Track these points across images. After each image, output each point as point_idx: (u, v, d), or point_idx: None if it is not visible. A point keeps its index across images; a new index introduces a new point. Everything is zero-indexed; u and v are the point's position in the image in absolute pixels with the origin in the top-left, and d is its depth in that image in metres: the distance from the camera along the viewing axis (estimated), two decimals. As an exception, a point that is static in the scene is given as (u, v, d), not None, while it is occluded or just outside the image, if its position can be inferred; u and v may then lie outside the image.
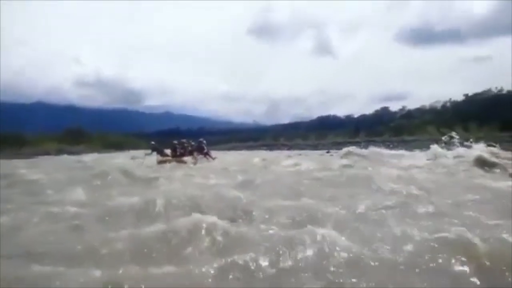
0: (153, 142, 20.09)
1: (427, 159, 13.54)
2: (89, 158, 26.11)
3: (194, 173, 11.30)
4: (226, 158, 20.87)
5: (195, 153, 18.69)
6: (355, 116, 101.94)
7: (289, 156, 21.08)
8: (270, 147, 45.85)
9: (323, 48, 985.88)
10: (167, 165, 16.11)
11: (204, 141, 19.33)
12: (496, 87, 66.07)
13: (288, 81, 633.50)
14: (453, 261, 2.83)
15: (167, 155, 19.13)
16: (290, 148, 43.18)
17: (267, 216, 4.66)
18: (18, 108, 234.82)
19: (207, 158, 18.51)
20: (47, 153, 37.21)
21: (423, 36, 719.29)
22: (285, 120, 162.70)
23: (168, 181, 9.16)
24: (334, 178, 8.57)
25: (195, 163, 17.19)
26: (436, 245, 3.06)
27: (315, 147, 40.28)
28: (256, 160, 18.45)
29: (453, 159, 12.60)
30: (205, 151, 18.90)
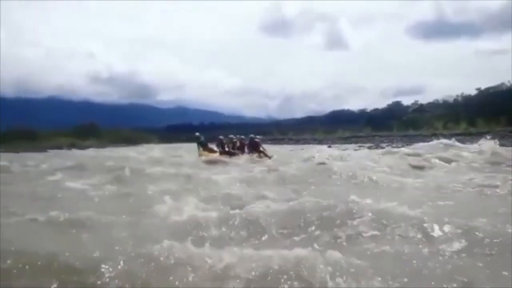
0: (198, 134, 18.58)
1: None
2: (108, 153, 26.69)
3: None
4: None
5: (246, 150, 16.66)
6: (368, 110, 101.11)
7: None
8: (276, 141, 46.09)
9: (336, 42, 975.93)
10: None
11: (257, 137, 17.11)
12: (509, 81, 64.86)
13: (301, 75, 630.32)
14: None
15: (213, 150, 17.45)
16: (296, 142, 43.54)
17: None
18: (32, 104, 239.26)
19: (261, 157, 15.84)
20: (59, 147, 38.07)
21: (437, 29, 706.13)
22: (299, 115, 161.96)
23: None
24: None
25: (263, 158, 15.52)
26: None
27: (320, 142, 40.69)
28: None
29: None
30: (261, 148, 16.54)
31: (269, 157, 15.75)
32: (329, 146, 25.98)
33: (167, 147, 37.53)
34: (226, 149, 17.14)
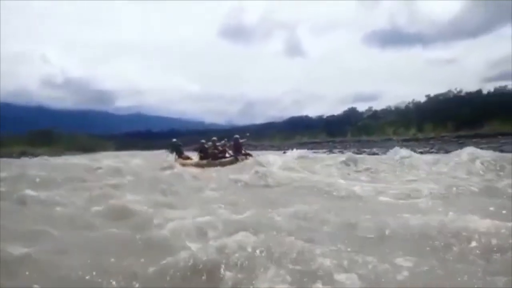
0: (175, 140, 18.10)
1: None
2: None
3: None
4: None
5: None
6: (325, 116, 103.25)
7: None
8: (235, 147, 46.57)
9: (295, 49, 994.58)
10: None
11: (240, 138, 16.28)
12: (456, 89, 68.66)
13: (261, 81, 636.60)
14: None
15: (189, 158, 16.75)
16: (255, 148, 44.16)
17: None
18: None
19: (247, 159, 15.24)
20: (9, 155, 36.57)
21: (391, 38, 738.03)
22: (260, 121, 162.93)
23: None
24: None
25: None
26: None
27: (278, 148, 41.69)
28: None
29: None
30: (244, 151, 15.99)
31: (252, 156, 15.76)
32: (284, 152, 26.80)
33: (127, 154, 36.89)
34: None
